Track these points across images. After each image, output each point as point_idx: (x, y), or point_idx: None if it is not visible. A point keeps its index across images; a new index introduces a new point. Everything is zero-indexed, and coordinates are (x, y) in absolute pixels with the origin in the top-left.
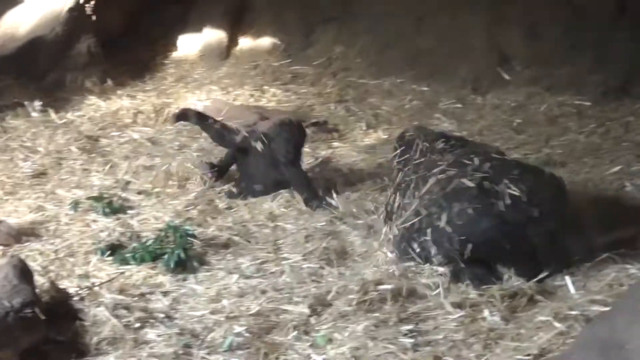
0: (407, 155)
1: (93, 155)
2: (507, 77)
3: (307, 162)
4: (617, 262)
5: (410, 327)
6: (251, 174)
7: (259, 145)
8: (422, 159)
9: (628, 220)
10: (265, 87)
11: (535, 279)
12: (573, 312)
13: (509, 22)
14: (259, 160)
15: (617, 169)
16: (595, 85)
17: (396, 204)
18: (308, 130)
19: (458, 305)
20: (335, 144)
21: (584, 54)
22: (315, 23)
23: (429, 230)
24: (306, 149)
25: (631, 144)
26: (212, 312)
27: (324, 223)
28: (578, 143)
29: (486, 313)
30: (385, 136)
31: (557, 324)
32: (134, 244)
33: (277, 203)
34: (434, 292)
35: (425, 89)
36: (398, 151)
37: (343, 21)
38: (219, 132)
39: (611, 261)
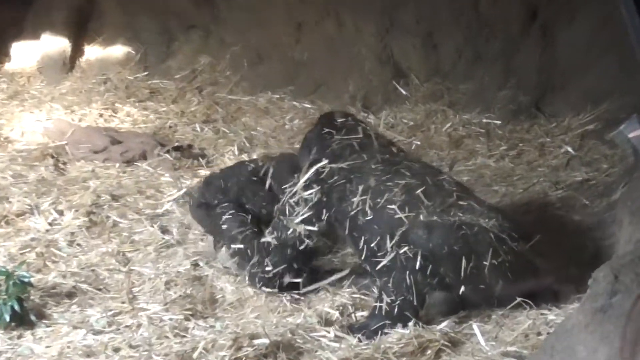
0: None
1: None
2: (404, 92)
3: (168, 194)
4: (532, 307)
5: None
6: None
7: None
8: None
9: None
10: (118, 105)
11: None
12: None
13: (403, 29)
14: None
15: (532, 198)
16: (505, 102)
17: None
18: (169, 156)
19: None
20: (202, 172)
21: (490, 66)
22: (176, 30)
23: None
24: (168, 178)
25: (546, 169)
26: None
27: (188, 267)
28: (487, 168)
29: None
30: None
31: None
32: None
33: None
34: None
35: (308, 106)
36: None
37: (209, 28)
38: None
39: (526, 307)
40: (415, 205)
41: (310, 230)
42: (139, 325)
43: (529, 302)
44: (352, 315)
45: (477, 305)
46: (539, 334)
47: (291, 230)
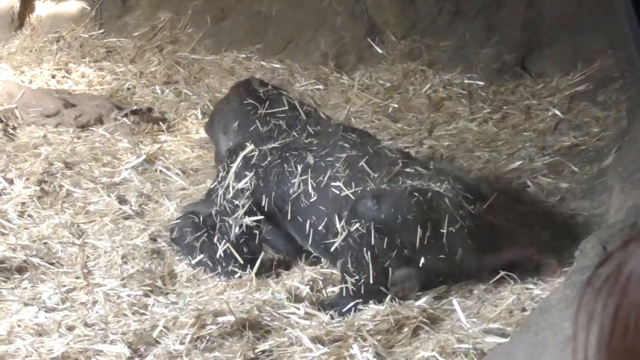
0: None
1: None
2: (379, 50)
3: (125, 161)
4: (517, 281)
5: None
6: None
7: None
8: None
9: (531, 228)
10: (72, 65)
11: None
12: (463, 346)
13: None
14: None
15: (517, 164)
16: (488, 61)
17: None
18: (127, 120)
19: (320, 340)
20: (163, 137)
21: (471, 21)
22: None
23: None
24: (126, 144)
25: (533, 134)
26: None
27: (146, 239)
28: (469, 133)
29: (355, 349)
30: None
31: None
32: None
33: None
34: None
35: (277, 66)
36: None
37: None
38: None
39: (511, 281)
40: (361, 179)
41: (256, 221)
42: (95, 302)
43: (514, 275)
44: (323, 290)
45: (454, 279)
46: (523, 309)
47: (238, 227)
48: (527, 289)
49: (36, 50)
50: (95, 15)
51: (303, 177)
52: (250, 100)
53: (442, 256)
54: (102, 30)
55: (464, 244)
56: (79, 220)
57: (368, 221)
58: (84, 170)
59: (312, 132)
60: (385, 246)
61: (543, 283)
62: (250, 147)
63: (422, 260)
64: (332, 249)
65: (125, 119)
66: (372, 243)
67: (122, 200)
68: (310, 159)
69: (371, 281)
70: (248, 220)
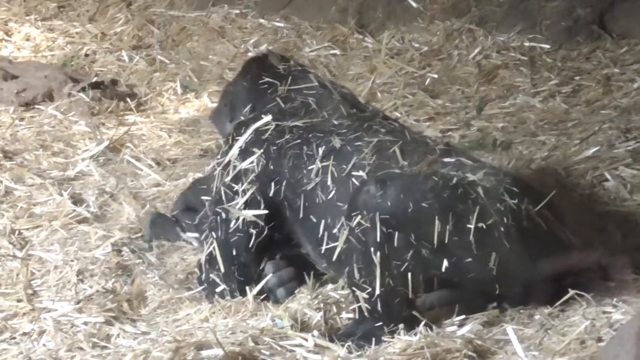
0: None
1: None
2: (414, 4)
3: (83, 149)
4: (590, 303)
5: None
6: None
7: None
8: None
9: (611, 234)
10: (13, 25)
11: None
12: None
13: None
14: None
15: (592, 151)
16: (556, 18)
17: None
18: (85, 96)
19: None
20: (132, 117)
21: None
22: None
23: None
24: (83, 127)
25: (614, 112)
26: None
27: (109, 250)
28: (531, 111)
29: None
30: (215, 104)
31: None
32: None
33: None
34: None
35: (280, 24)
36: None
37: None
38: None
39: (583, 302)
40: (387, 167)
41: (257, 216)
42: (42, 332)
43: (586, 295)
44: (337, 317)
45: (499, 299)
46: (599, 339)
47: (234, 222)
48: (604, 312)
49: None
50: None
51: (324, 164)
52: (268, 78)
53: (470, 259)
54: None
55: (501, 247)
56: (22, 226)
57: (371, 212)
58: (29, 161)
59: (346, 114)
60: (397, 243)
61: (625, 305)
62: (266, 118)
63: (445, 263)
64: (335, 256)
65: (82, 94)
66: (379, 240)
67: (77, 200)
68: (337, 143)
69: (378, 290)
70: (247, 212)
